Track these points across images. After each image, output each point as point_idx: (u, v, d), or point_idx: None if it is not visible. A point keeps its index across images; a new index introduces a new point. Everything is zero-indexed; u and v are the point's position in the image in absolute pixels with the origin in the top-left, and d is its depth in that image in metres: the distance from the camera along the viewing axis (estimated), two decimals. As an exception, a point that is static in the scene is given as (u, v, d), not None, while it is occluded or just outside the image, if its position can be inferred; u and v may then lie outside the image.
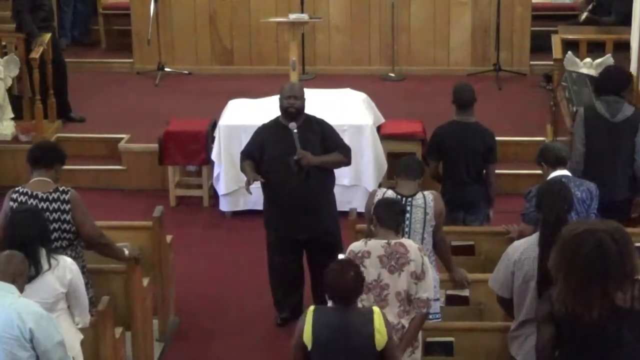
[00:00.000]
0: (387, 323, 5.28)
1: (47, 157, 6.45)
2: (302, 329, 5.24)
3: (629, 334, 4.35)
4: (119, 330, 6.46)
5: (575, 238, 4.36)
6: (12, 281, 5.21)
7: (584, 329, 4.35)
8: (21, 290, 5.29)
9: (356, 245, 5.95)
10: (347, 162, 7.66)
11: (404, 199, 6.44)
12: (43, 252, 5.72)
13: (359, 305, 5.46)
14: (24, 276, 5.35)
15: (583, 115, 7.62)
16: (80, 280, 5.85)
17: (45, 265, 5.69)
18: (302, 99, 7.50)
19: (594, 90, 7.82)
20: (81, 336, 5.86)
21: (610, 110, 7.47)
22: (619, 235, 4.36)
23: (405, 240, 5.93)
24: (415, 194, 6.48)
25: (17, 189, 6.42)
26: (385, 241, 5.87)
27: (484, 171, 7.72)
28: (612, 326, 4.34)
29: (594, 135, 7.43)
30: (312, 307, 5.31)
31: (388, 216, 5.93)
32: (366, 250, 5.87)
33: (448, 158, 7.70)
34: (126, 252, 6.70)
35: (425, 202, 6.47)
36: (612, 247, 4.31)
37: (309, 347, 5.21)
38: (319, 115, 9.45)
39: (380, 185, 9.37)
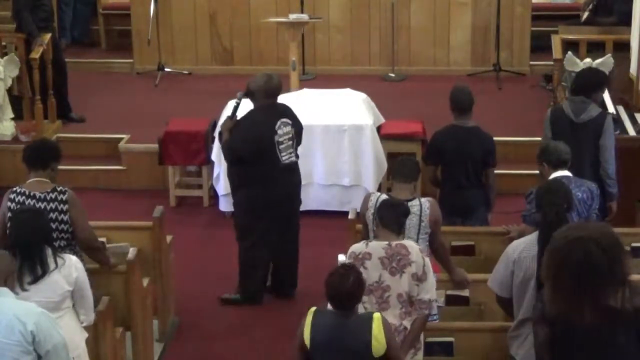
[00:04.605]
0: (388, 329, 5.25)
1: (42, 158, 6.42)
2: (302, 330, 5.25)
3: (622, 334, 4.34)
4: (119, 330, 6.45)
5: (563, 247, 4.32)
6: (4, 282, 5.14)
7: (577, 331, 4.34)
8: (12, 290, 5.24)
9: (357, 247, 5.93)
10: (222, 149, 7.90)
11: None
12: (49, 252, 5.71)
13: (361, 307, 5.47)
14: (13, 276, 5.31)
15: (550, 115, 7.62)
16: (85, 278, 5.85)
17: (51, 265, 5.68)
18: (252, 84, 7.80)
19: (569, 90, 7.81)
20: (86, 334, 5.86)
21: (575, 111, 7.46)
22: (607, 241, 4.30)
23: (406, 242, 5.90)
24: (411, 200, 6.40)
25: (14, 189, 6.42)
26: (386, 243, 5.86)
27: (484, 175, 7.70)
28: (606, 327, 4.32)
29: (559, 135, 7.38)
30: (313, 309, 5.31)
31: (390, 217, 5.91)
32: (367, 251, 5.85)
33: (447, 162, 7.66)
34: (112, 260, 6.72)
35: (421, 209, 6.41)
36: (599, 257, 4.26)
37: (308, 347, 5.22)
38: (318, 115, 9.52)
39: (380, 186, 9.39)
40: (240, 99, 7.89)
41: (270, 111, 7.77)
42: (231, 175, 7.95)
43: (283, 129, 7.74)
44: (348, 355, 5.17)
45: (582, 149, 7.37)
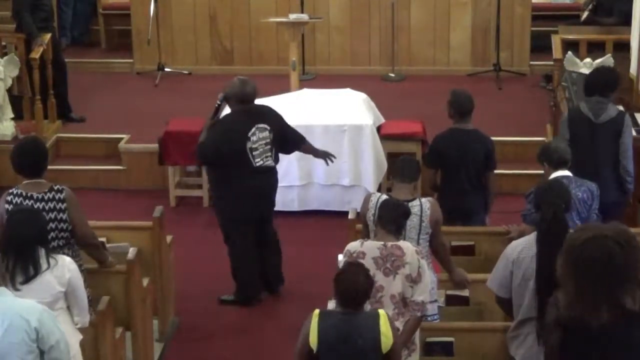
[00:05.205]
0: (393, 325, 5.25)
1: (36, 168, 6.37)
2: (307, 333, 5.19)
3: (638, 336, 4.33)
4: (119, 330, 6.45)
5: (580, 246, 4.30)
6: None
7: (592, 332, 4.33)
8: None
9: (352, 245, 5.93)
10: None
11: None
12: (42, 252, 5.69)
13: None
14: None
15: (567, 117, 7.63)
16: (79, 280, 5.83)
17: (44, 265, 5.67)
18: (227, 88, 7.83)
19: (583, 91, 7.80)
20: (80, 336, 5.83)
21: (594, 111, 7.45)
22: (625, 239, 4.29)
23: (402, 243, 5.88)
24: (411, 200, 6.38)
25: (11, 190, 6.39)
26: (382, 243, 5.84)
27: (484, 178, 7.67)
28: (621, 329, 4.31)
29: (578, 136, 7.40)
30: (317, 311, 5.25)
31: (389, 218, 5.91)
32: (361, 250, 5.84)
33: (448, 166, 7.61)
34: (110, 259, 6.72)
35: (421, 209, 6.38)
36: (618, 254, 4.24)
37: (315, 350, 5.17)
38: (318, 115, 9.52)
39: (380, 186, 9.38)
40: (221, 101, 7.86)
41: (245, 117, 7.70)
42: (208, 176, 8.05)
43: (258, 135, 7.68)
44: (357, 353, 5.14)
45: (602, 149, 7.39)
